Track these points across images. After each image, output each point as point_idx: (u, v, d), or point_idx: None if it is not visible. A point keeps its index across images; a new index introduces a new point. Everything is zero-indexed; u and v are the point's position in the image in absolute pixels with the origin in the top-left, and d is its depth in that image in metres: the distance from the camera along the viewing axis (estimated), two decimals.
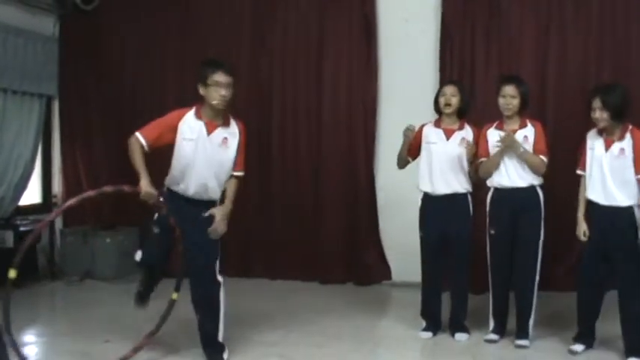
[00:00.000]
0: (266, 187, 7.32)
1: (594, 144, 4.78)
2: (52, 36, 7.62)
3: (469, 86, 6.57)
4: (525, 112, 5.14)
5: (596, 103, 4.65)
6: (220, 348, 4.78)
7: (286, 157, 7.29)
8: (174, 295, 4.89)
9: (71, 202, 4.40)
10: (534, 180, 5.07)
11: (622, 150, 4.67)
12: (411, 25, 7.01)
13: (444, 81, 6.25)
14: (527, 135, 5.05)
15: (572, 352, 4.94)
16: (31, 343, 5.25)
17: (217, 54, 6.99)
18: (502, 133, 5.06)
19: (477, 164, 5.22)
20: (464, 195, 5.25)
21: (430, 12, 6.93)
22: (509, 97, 5.04)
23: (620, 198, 4.67)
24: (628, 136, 4.67)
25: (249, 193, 6.91)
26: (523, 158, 4.99)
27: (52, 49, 7.57)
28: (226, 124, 4.62)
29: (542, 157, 5.01)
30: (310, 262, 7.17)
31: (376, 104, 7.07)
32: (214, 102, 4.47)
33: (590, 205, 4.80)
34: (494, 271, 5.21)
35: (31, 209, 7.52)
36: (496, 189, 5.13)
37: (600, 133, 4.76)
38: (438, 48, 6.84)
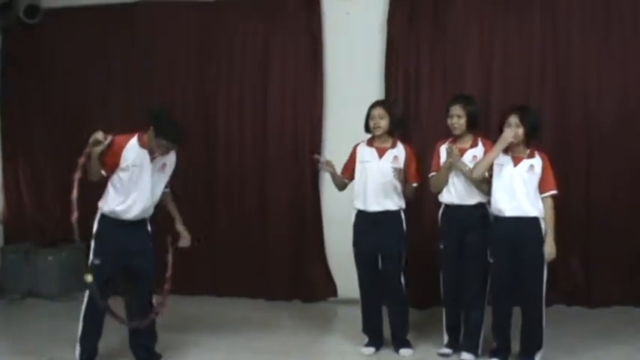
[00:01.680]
0: (211, 204, 7.27)
1: (503, 161, 4.92)
2: None
3: (414, 104, 6.66)
4: (476, 130, 5.21)
5: (514, 119, 4.81)
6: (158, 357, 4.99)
7: (231, 174, 7.23)
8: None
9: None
10: (483, 198, 5.11)
11: (532, 167, 4.86)
12: (357, 43, 7.00)
13: (388, 97, 6.41)
14: (476, 155, 5.11)
15: None
16: None
17: (162, 67, 7.17)
18: (448, 149, 5.13)
19: (429, 178, 5.31)
20: (396, 212, 5.29)
21: (376, 30, 6.93)
22: (455, 116, 5.11)
23: (528, 209, 4.81)
24: (537, 155, 4.89)
25: (194, 210, 6.88)
26: (466, 176, 5.05)
27: None
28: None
29: (487, 176, 5.03)
30: (256, 279, 7.12)
31: (322, 120, 7.08)
32: (156, 151, 4.75)
33: (498, 219, 4.92)
34: (445, 285, 5.26)
35: None
36: (446, 205, 5.21)
37: (506, 152, 4.91)
38: (383, 66, 6.87)
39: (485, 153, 5.06)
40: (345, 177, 5.46)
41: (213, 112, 7.29)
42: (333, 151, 6.75)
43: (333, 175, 5.45)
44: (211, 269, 7.24)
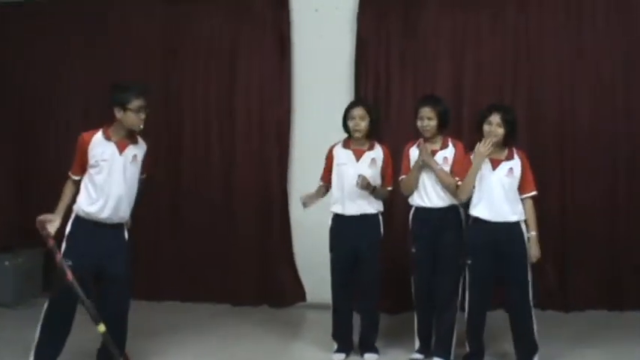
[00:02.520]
0: (176, 207, 7.14)
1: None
2: None
3: (384, 104, 6.61)
4: (446, 131, 5.17)
5: (495, 118, 4.81)
6: None
7: (197, 175, 7.11)
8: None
9: None
10: (454, 200, 5.07)
11: (511, 170, 4.86)
12: (326, 42, 6.94)
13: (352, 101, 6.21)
14: (447, 156, 5.08)
15: None
16: None
17: (127, 67, 6.98)
18: (420, 147, 5.08)
19: (399, 181, 5.24)
20: (374, 215, 5.22)
21: (345, 29, 6.87)
22: (426, 119, 5.05)
23: (508, 215, 4.80)
24: (516, 156, 4.86)
25: (159, 212, 6.94)
26: (436, 175, 5.01)
27: None
28: (135, 141, 4.76)
29: (457, 178, 5.00)
30: (222, 284, 6.99)
31: (290, 121, 7.00)
32: (134, 126, 4.64)
33: (477, 222, 4.89)
34: (417, 290, 5.19)
35: None
36: (417, 208, 5.15)
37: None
38: (352, 65, 6.82)
39: (455, 154, 5.03)
40: (325, 182, 5.39)
41: (178, 111, 7.16)
42: (301, 151, 6.71)
43: (313, 197, 5.39)
44: (175, 274, 7.09)
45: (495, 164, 4.88)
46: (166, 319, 6.41)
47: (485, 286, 4.90)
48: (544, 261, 5.87)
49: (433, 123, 5.04)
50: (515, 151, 4.94)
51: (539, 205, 5.56)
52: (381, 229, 5.25)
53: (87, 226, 4.64)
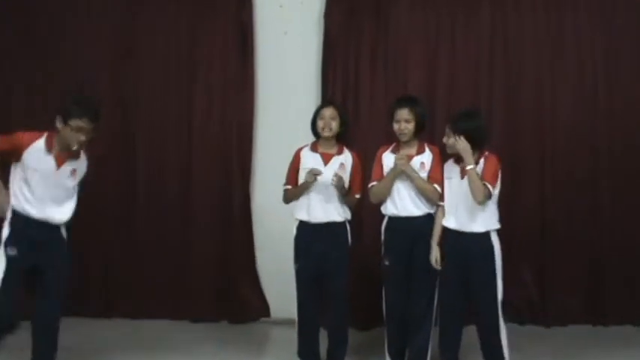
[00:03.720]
0: (129, 216, 6.80)
1: (451, 173, 4.83)
2: None
3: (353, 105, 6.45)
4: (423, 135, 5.06)
5: (447, 129, 4.78)
6: None
7: (152, 183, 6.79)
8: None
9: None
10: (431, 208, 4.95)
11: (422, 164, 4.87)
12: (291, 39, 6.71)
13: (323, 101, 6.07)
14: (424, 162, 4.96)
15: None
16: None
17: (75, 60, 6.68)
18: (397, 156, 4.94)
19: (369, 188, 5.09)
20: (342, 224, 5.08)
21: (312, 25, 6.66)
22: (403, 121, 4.91)
23: (473, 225, 4.71)
24: (481, 161, 4.71)
25: (110, 221, 6.69)
26: (416, 184, 4.87)
27: None
28: (76, 156, 4.62)
29: (436, 185, 4.88)
30: (180, 299, 6.71)
31: (252, 124, 6.74)
32: (68, 142, 4.46)
33: (447, 232, 4.82)
34: (388, 304, 5.04)
35: None
36: (390, 217, 5.02)
37: (457, 162, 4.79)
38: (320, 64, 6.61)
39: (434, 159, 4.94)
40: (293, 186, 5.18)
41: (132, 113, 6.80)
42: (265, 156, 6.53)
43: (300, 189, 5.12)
44: (127, 288, 6.77)
45: (464, 174, 4.71)
46: (117, 338, 6.13)
47: (457, 297, 4.80)
48: (521, 271, 6.28)
49: (411, 126, 4.91)
50: (484, 156, 4.77)
51: (516, 209, 6.06)
52: (349, 238, 5.10)
53: (25, 218, 4.48)
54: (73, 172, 4.58)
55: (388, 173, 4.93)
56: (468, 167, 4.58)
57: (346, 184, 5.02)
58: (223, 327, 6.61)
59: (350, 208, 5.12)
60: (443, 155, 4.96)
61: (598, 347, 5.79)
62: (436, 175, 4.90)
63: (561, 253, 6.37)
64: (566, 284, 6.38)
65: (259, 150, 6.75)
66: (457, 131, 4.64)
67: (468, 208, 4.67)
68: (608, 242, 6.38)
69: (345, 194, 5.00)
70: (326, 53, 6.57)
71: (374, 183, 5.03)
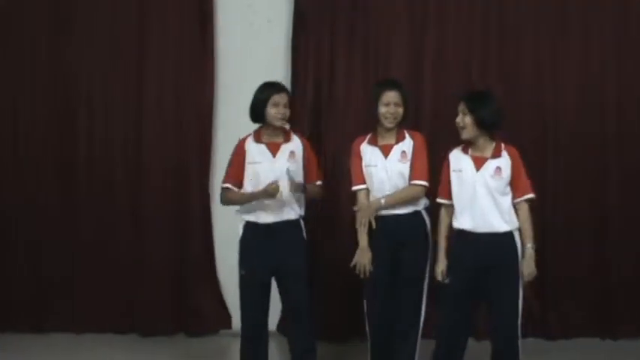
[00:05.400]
0: (68, 217, 6.42)
1: (461, 165, 4.50)
2: None
3: (328, 90, 6.15)
4: (406, 123, 4.84)
5: (461, 106, 4.46)
6: None
7: (96, 179, 6.43)
8: None
9: None
10: (417, 205, 4.72)
11: (498, 169, 4.45)
12: (257, 13, 6.35)
13: (296, 82, 5.99)
14: (405, 150, 4.73)
15: None
16: None
17: (7, 37, 6.34)
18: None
19: (354, 192, 4.82)
20: (296, 221, 4.84)
21: None
22: (393, 105, 4.66)
23: (497, 224, 4.42)
24: (505, 155, 4.47)
25: (43, 219, 6.29)
26: (397, 205, 4.67)
27: None
28: None
29: (417, 182, 4.66)
30: (127, 311, 6.38)
31: (212, 110, 6.38)
32: None
33: (460, 235, 4.52)
34: (370, 313, 4.80)
35: None
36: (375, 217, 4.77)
37: (466, 150, 4.52)
38: (289, 42, 6.27)
39: (415, 147, 4.69)
40: (231, 184, 4.86)
41: (71, 100, 6.39)
42: (227, 152, 5.90)
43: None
44: (67, 300, 6.41)
45: (479, 163, 4.43)
46: (55, 356, 5.88)
47: (467, 309, 4.51)
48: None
49: (401, 110, 4.68)
50: (503, 146, 4.51)
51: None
52: (304, 235, 4.89)
53: None
54: None
55: (358, 230, 4.68)
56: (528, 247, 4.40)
57: (300, 176, 4.81)
58: (178, 341, 6.31)
59: (315, 197, 4.95)
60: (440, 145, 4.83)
61: None
62: (420, 166, 4.69)
63: (564, 258, 6.10)
64: (569, 293, 6.12)
65: (220, 138, 6.40)
66: (471, 111, 4.36)
67: (488, 205, 4.40)
68: (616, 246, 6.08)
69: (303, 191, 4.77)
70: (296, 30, 6.23)
71: (359, 187, 4.73)
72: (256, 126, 4.90)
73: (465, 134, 4.39)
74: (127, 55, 6.39)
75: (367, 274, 4.60)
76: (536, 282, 5.95)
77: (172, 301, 6.38)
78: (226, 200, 4.87)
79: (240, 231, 4.86)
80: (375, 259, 4.70)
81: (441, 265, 4.54)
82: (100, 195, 6.43)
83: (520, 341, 4.45)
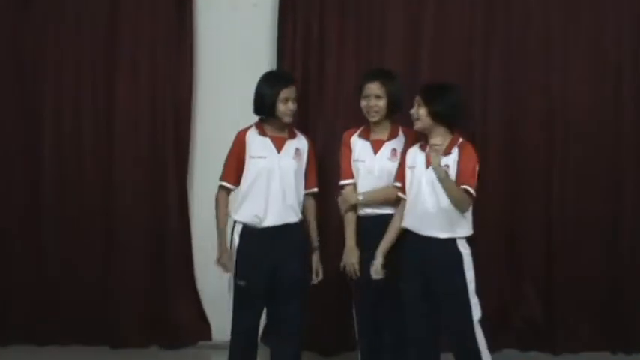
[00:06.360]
0: (32, 220, 6.13)
1: (416, 161, 4.44)
2: None
3: (316, 77, 5.90)
4: (397, 117, 4.70)
5: (417, 98, 4.43)
6: None
7: (64, 176, 6.09)
8: None
9: None
10: None
11: (446, 167, 4.34)
12: None
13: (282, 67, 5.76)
14: (395, 148, 4.65)
15: None
16: None
17: None
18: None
19: (340, 187, 4.74)
20: (297, 225, 4.69)
21: None
22: (373, 97, 4.59)
23: (439, 228, 4.34)
24: (455, 150, 4.34)
25: (10, 230, 6.02)
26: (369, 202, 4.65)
27: None
28: None
29: (398, 184, 4.61)
30: (97, 321, 6.06)
31: (191, 99, 6.04)
32: None
33: (408, 235, 4.47)
34: (361, 324, 4.75)
35: None
36: (360, 217, 4.70)
37: (423, 148, 4.43)
38: (275, 25, 5.97)
39: (407, 144, 4.60)
40: (230, 183, 4.66)
41: (34, 88, 6.05)
42: (207, 145, 5.96)
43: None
44: (30, 310, 6.10)
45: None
46: None
47: (423, 312, 4.42)
48: (523, 286, 5.90)
49: (382, 103, 4.58)
50: (457, 143, 4.39)
51: (517, 214, 5.72)
52: (305, 240, 4.78)
53: None
54: None
55: (346, 230, 4.65)
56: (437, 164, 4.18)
57: (301, 180, 4.73)
58: (152, 353, 6.02)
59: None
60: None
61: None
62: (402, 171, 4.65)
63: (572, 266, 5.85)
64: (577, 303, 5.87)
65: (199, 129, 6.13)
66: (426, 102, 4.28)
67: (434, 208, 4.28)
68: (629, 252, 5.82)
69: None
70: (282, 10, 5.93)
71: (347, 182, 4.65)
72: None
73: (419, 124, 4.32)
74: (95, 38, 6.04)
75: (358, 273, 4.49)
76: (540, 289, 5.93)
77: (147, 312, 6.12)
78: (216, 205, 4.69)
79: (236, 238, 4.65)
80: (363, 266, 4.57)
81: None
82: (68, 194, 6.12)
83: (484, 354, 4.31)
